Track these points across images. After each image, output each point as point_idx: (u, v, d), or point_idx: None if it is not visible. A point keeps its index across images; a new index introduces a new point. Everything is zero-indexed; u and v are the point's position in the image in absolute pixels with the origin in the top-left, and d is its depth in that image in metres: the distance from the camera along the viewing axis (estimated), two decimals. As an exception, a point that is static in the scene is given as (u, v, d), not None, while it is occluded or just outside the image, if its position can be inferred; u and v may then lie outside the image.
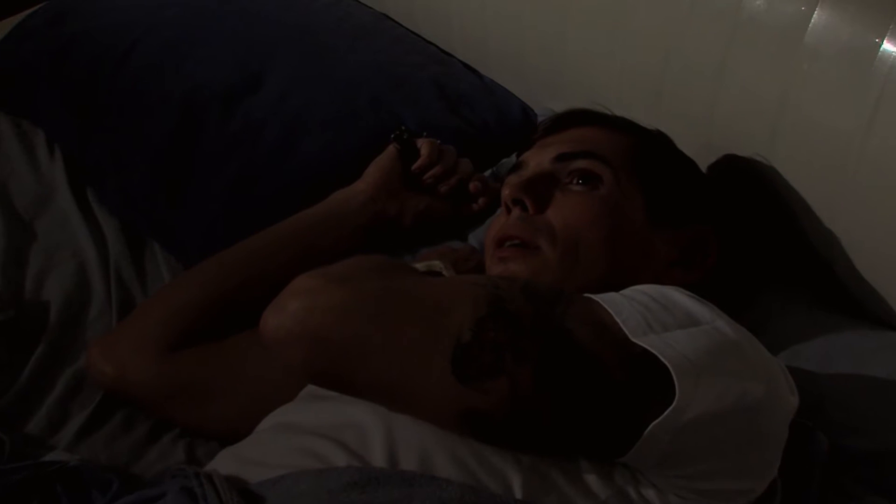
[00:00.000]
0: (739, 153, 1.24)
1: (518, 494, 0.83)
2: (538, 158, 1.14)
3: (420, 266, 1.08)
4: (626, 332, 0.83)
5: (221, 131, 1.57)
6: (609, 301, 0.87)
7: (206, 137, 1.57)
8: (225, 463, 0.96)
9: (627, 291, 0.91)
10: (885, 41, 1.07)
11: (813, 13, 1.12)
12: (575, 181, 1.09)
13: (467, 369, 0.81)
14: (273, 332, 0.86)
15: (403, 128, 1.40)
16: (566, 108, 1.26)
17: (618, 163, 1.09)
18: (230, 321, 1.20)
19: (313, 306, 0.84)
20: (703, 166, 1.26)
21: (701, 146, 1.26)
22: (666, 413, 0.80)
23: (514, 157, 1.34)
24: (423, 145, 1.39)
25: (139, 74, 1.67)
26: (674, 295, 0.89)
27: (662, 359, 0.80)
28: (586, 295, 0.89)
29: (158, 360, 1.18)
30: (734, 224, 1.16)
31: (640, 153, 1.12)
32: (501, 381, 0.81)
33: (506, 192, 1.10)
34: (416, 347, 0.82)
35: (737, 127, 1.25)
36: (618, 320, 0.84)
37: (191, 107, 1.60)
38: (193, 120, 1.59)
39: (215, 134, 1.57)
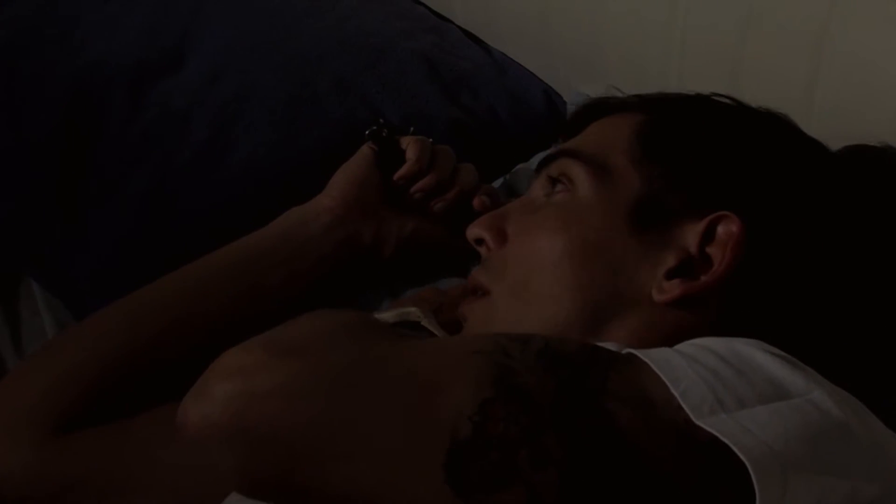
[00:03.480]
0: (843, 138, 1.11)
1: None
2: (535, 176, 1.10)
3: (388, 316, 1.04)
4: (688, 411, 0.74)
5: (128, 125, 1.44)
6: (663, 363, 0.77)
7: (106, 133, 1.44)
8: None
9: (686, 347, 0.81)
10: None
11: None
12: (547, 194, 1.04)
13: (467, 476, 0.72)
14: (195, 427, 0.76)
15: (382, 121, 1.27)
16: (604, 92, 1.20)
17: (601, 153, 1.02)
18: (138, 391, 1.12)
19: (250, 390, 0.76)
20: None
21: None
22: None
23: (533, 162, 1.34)
24: (410, 145, 1.25)
25: (8, 48, 1.54)
26: (752, 354, 0.80)
27: (737, 450, 0.71)
28: (629, 351, 0.79)
29: (37, 446, 1.10)
30: (780, 205, 1.01)
31: (650, 131, 1.03)
32: (515, 491, 0.71)
33: (468, 231, 1.07)
34: (396, 447, 0.74)
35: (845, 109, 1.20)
36: (675, 393, 0.75)
37: (86, 92, 1.47)
38: (89, 110, 1.45)
39: (119, 129, 1.45)
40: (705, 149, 1.04)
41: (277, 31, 1.57)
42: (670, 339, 0.85)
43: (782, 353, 0.82)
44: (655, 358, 0.79)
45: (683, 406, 0.75)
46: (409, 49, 1.56)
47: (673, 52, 1.38)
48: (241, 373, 0.77)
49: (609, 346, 0.82)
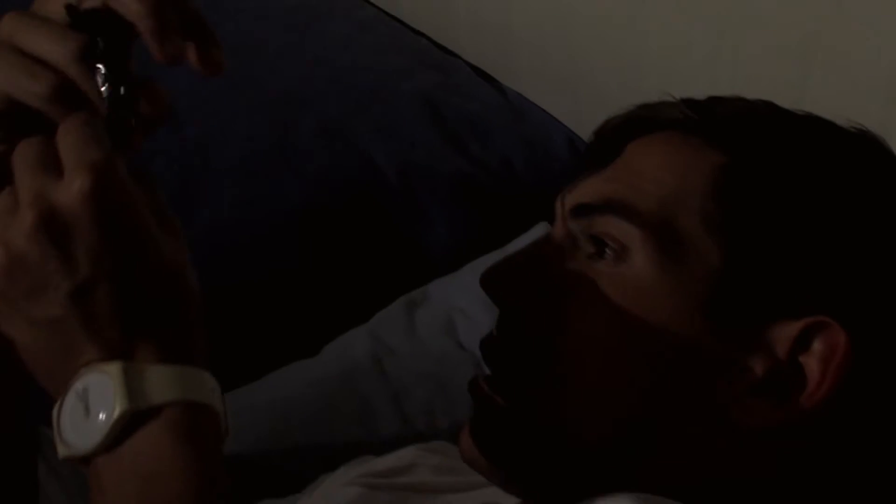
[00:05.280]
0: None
1: None
2: (560, 208, 0.88)
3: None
4: None
5: None
6: None
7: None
8: None
9: None
10: None
11: None
12: (589, 255, 0.84)
13: None
14: None
15: None
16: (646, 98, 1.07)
17: (665, 212, 0.82)
18: None
19: None
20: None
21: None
22: None
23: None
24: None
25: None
26: None
27: None
28: None
29: None
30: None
31: (733, 184, 0.83)
32: None
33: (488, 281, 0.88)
34: None
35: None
36: None
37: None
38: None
39: None
40: (812, 217, 0.87)
41: (253, 66, 1.54)
42: (739, 488, 0.78)
43: None
44: None
45: None
46: (408, 89, 1.54)
47: (720, 87, 1.27)
48: None
49: None
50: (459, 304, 1.28)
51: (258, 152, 1.41)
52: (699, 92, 1.07)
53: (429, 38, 1.66)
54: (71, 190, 0.64)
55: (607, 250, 0.84)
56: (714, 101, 0.90)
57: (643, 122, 0.91)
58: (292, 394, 1.15)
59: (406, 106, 1.49)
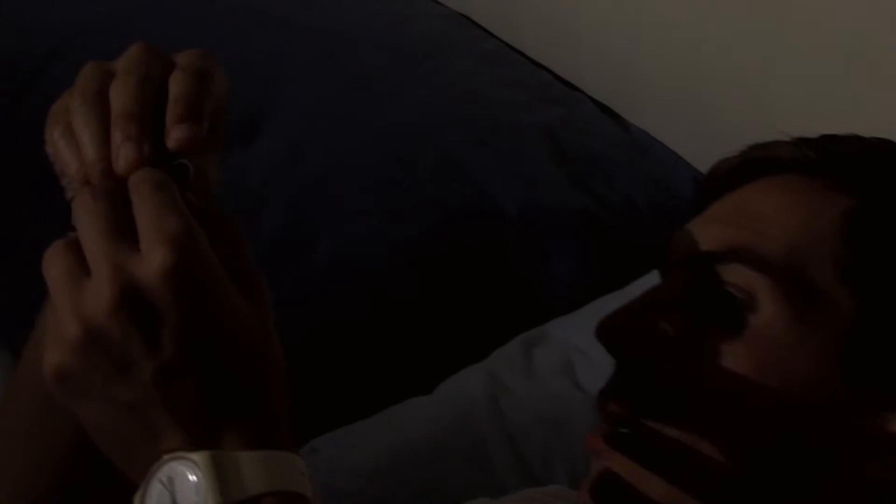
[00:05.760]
0: None
1: None
2: (677, 253, 0.84)
3: None
4: None
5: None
6: None
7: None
8: None
9: None
10: None
11: None
12: (713, 306, 0.79)
13: None
14: None
15: None
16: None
17: (796, 261, 0.79)
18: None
19: None
20: None
21: None
22: None
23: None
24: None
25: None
26: None
27: None
28: None
29: None
30: None
31: (866, 228, 0.79)
32: None
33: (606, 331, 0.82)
34: None
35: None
36: None
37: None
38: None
39: None
40: None
41: (372, 99, 1.55)
42: None
43: None
44: None
45: None
46: (530, 123, 1.53)
47: (854, 125, 1.27)
48: None
49: None
50: (578, 345, 1.26)
51: (378, 184, 1.41)
52: (834, 132, 1.04)
53: (551, 72, 1.66)
54: (152, 265, 0.60)
55: (733, 300, 0.81)
56: (829, 139, 0.88)
57: (759, 162, 0.88)
58: (406, 432, 1.13)
59: (527, 141, 1.48)
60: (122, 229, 0.61)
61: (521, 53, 1.70)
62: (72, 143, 0.68)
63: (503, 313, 1.32)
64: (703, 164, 1.38)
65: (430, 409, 1.19)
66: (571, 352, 1.28)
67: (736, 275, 0.80)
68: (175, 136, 0.65)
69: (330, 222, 1.37)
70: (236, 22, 1.67)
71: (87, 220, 0.62)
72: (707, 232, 0.83)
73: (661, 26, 1.50)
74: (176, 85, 0.67)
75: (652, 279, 1.23)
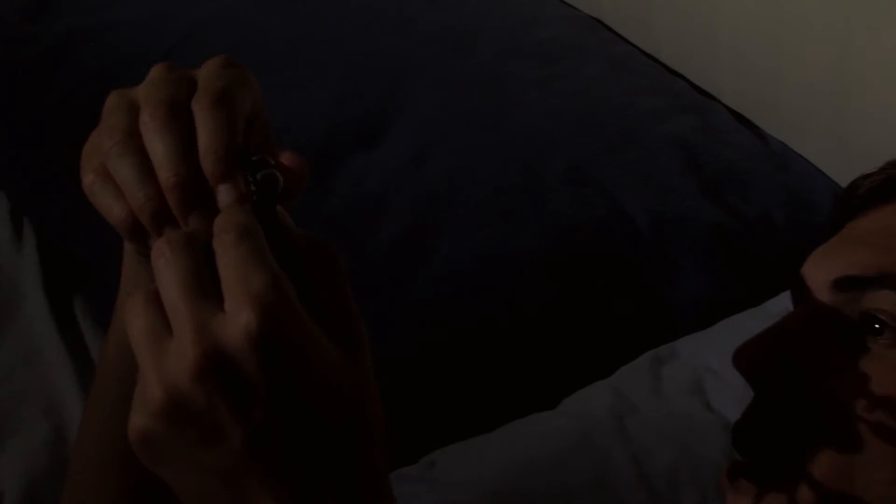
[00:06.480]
0: None
1: None
2: (817, 276, 0.81)
3: None
4: None
5: (312, 206, 1.39)
6: None
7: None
8: None
9: None
10: None
11: None
12: (859, 334, 0.78)
13: None
14: None
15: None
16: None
17: None
18: None
19: None
20: None
21: None
22: None
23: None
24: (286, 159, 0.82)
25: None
26: None
27: None
28: None
29: None
30: None
31: None
32: None
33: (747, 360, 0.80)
34: None
35: None
36: None
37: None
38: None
39: (302, 210, 1.36)
40: None
41: (498, 103, 1.53)
42: None
43: None
44: None
45: None
46: (663, 132, 1.49)
47: None
48: None
49: None
50: (710, 364, 1.22)
51: (503, 191, 1.39)
52: None
53: (686, 80, 1.63)
54: (237, 328, 0.56)
55: (884, 329, 0.80)
56: None
57: None
58: (527, 448, 1.12)
59: (660, 150, 1.45)
60: (205, 283, 0.57)
61: (655, 59, 1.68)
62: (107, 185, 0.63)
63: (630, 328, 1.31)
64: (845, 177, 1.38)
65: (553, 425, 1.17)
66: (702, 370, 1.24)
67: (888, 302, 0.79)
68: (223, 199, 0.61)
69: (453, 227, 1.37)
70: (358, 22, 1.67)
71: (167, 276, 0.58)
72: (853, 254, 0.82)
73: (805, 32, 1.46)
74: (201, 129, 0.62)
75: (784, 302, 1.21)
